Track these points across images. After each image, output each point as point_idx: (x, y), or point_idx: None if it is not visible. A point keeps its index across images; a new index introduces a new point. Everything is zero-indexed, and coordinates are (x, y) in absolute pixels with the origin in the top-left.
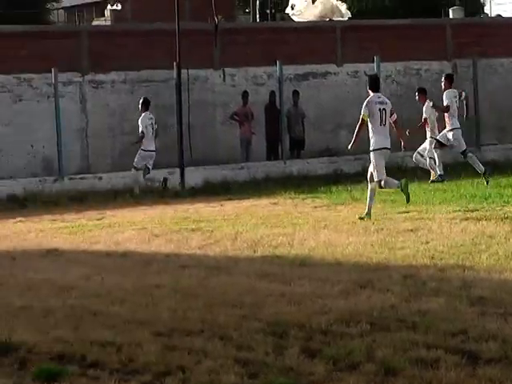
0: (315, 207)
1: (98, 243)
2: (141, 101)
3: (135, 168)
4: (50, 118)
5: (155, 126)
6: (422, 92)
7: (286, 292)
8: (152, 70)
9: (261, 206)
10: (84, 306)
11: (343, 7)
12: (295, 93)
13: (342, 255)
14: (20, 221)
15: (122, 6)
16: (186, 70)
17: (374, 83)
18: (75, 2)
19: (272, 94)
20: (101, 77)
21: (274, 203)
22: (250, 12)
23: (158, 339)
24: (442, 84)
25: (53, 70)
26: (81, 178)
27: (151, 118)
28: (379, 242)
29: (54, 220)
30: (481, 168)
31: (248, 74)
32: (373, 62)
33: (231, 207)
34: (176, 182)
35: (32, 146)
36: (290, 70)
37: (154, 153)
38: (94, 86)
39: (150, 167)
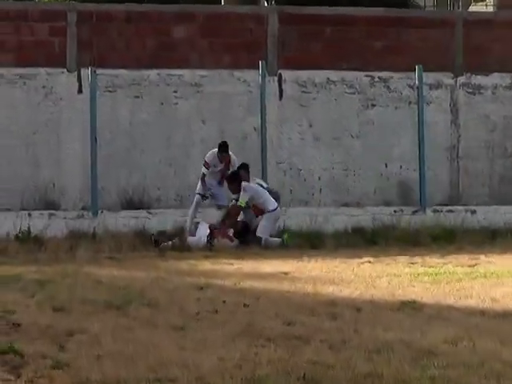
0: None
1: (469, 297)
2: None
3: None
4: (410, 130)
5: None
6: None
7: None
8: None
9: None
10: (449, 378)
11: None
12: None
13: None
14: (368, 261)
15: None
16: None
17: None
18: None
19: None
20: (479, 80)
21: None
22: None
23: None
24: None
25: (417, 67)
26: (448, 211)
27: None
28: None
29: (412, 263)
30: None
31: None
32: None
33: None
34: None
35: (386, 165)
36: None
37: None
38: (470, 92)
39: None
